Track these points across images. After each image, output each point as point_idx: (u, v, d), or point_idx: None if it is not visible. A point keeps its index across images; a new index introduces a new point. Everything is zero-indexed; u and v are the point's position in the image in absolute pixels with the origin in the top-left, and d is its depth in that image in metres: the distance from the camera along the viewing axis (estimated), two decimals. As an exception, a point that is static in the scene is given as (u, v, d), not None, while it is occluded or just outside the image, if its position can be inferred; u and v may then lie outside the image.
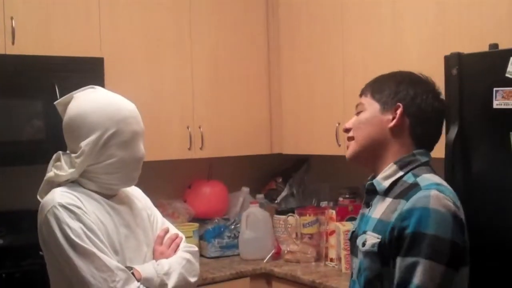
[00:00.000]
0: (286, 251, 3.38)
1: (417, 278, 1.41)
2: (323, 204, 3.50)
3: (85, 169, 1.78)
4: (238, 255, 3.48)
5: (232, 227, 3.54)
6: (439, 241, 1.43)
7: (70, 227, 1.67)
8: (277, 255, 3.42)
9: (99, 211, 1.77)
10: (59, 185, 1.80)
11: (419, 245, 1.43)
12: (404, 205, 1.49)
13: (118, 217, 1.82)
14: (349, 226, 3.08)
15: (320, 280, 2.94)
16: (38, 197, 1.81)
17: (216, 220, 3.57)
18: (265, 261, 3.35)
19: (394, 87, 1.62)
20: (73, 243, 1.67)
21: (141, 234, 1.88)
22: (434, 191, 1.48)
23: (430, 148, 1.65)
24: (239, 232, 3.50)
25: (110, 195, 1.85)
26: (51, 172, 1.80)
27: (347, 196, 3.42)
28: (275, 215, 3.58)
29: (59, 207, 1.69)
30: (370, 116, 1.63)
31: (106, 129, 1.75)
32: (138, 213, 1.92)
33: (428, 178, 1.55)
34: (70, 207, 1.70)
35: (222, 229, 3.51)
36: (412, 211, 1.46)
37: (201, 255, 3.47)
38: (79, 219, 1.69)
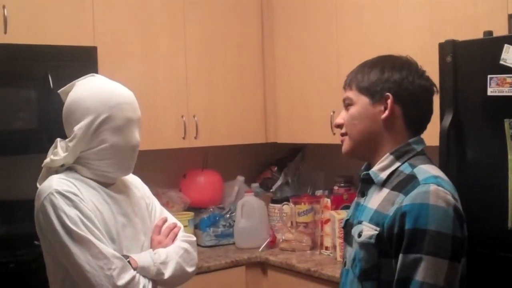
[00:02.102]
0: (281, 240, 3.39)
1: (419, 275, 1.41)
2: (318, 192, 3.51)
3: (79, 155, 1.78)
4: (234, 244, 3.48)
5: (227, 216, 3.55)
6: (441, 236, 1.42)
7: (66, 214, 1.67)
8: (272, 243, 3.42)
9: (96, 198, 1.77)
10: (57, 172, 1.80)
11: (420, 242, 1.42)
12: (402, 200, 1.48)
13: (116, 206, 1.82)
14: (344, 214, 3.07)
15: (315, 268, 2.95)
16: (38, 184, 1.81)
17: (211, 209, 3.57)
18: (260, 249, 3.36)
19: (379, 76, 1.60)
20: (70, 230, 1.67)
21: (138, 223, 1.88)
22: (433, 186, 1.47)
23: (423, 128, 1.65)
24: (234, 221, 3.50)
25: (107, 184, 1.84)
26: (47, 158, 1.81)
27: (342, 184, 3.42)
28: (270, 204, 3.59)
29: (56, 194, 1.69)
30: (361, 111, 1.61)
31: (98, 114, 1.75)
32: (136, 202, 1.92)
33: (425, 170, 1.53)
34: (67, 194, 1.69)
35: (217, 218, 3.51)
36: (411, 207, 1.45)
37: (197, 244, 3.47)
38: (75, 206, 1.69)
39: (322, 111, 3.29)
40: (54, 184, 1.72)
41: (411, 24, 2.78)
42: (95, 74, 1.89)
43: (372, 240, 1.51)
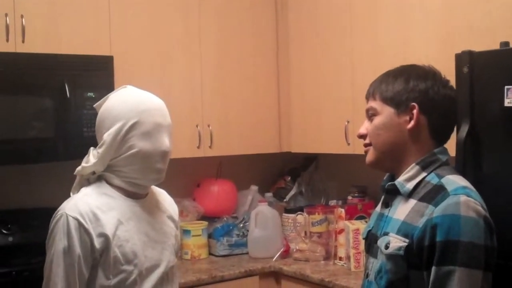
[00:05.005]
0: (295, 250, 3.38)
1: (454, 287, 1.40)
2: (332, 202, 3.50)
3: (110, 163, 1.79)
4: (247, 253, 3.47)
5: (241, 225, 3.54)
6: (474, 247, 1.42)
7: (55, 243, 1.71)
8: (286, 253, 3.41)
9: (118, 218, 1.77)
10: (88, 180, 1.83)
11: (454, 253, 1.41)
12: (432, 211, 1.47)
13: (139, 224, 1.82)
14: (358, 224, 3.07)
15: (329, 279, 2.94)
16: (71, 193, 1.84)
17: (225, 219, 3.57)
18: (274, 259, 3.35)
19: (404, 85, 1.59)
20: (50, 258, 1.73)
21: (161, 243, 1.88)
22: (464, 197, 1.46)
23: (447, 138, 1.64)
24: (248, 231, 3.50)
25: (138, 195, 1.84)
26: (80, 166, 1.83)
27: (356, 194, 3.41)
28: (284, 214, 3.58)
29: (62, 218, 1.72)
30: (386, 121, 1.60)
31: (128, 119, 1.77)
32: (163, 221, 1.93)
33: (454, 181, 1.52)
34: (72, 222, 1.71)
35: (231, 228, 3.51)
36: (442, 219, 1.44)
37: (210, 254, 3.48)
38: (69, 237, 1.70)
39: (336, 120, 3.28)
40: (70, 205, 1.74)
41: (425, 34, 2.77)
42: (127, 86, 1.91)
43: (401, 252, 1.50)
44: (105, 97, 1.89)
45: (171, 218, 1.97)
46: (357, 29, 3.17)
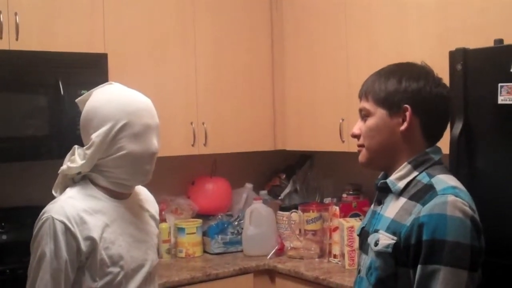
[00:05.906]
0: (289, 248, 3.38)
1: (439, 286, 1.40)
2: (327, 200, 3.50)
3: (97, 163, 1.77)
4: (242, 251, 3.48)
5: (236, 223, 3.55)
6: (459, 246, 1.42)
7: (41, 246, 1.69)
8: (281, 251, 3.41)
9: (103, 220, 1.75)
10: (73, 179, 1.81)
11: (439, 252, 1.41)
12: (420, 210, 1.47)
13: (124, 224, 1.81)
14: (353, 222, 3.08)
15: (324, 277, 2.94)
16: (53, 191, 1.81)
17: (220, 216, 3.57)
18: (268, 257, 3.35)
19: (396, 86, 1.58)
20: (36, 261, 1.70)
21: (145, 243, 1.88)
22: (451, 197, 1.46)
23: (440, 136, 1.64)
24: (242, 228, 3.50)
25: (122, 194, 1.83)
26: (64, 165, 1.80)
27: (350, 192, 3.42)
28: (279, 212, 3.58)
29: (49, 221, 1.69)
30: (379, 122, 1.60)
31: (117, 121, 1.74)
32: (146, 220, 1.92)
33: (443, 180, 1.53)
34: (59, 225, 1.68)
35: (225, 225, 3.51)
36: (429, 218, 1.44)
37: (205, 251, 3.48)
38: (56, 240, 1.68)
39: (331, 118, 3.28)
40: (56, 208, 1.71)
41: (420, 32, 2.78)
42: (112, 82, 1.88)
43: (389, 249, 1.51)
44: (88, 92, 1.85)
45: (153, 217, 1.97)
46: (352, 26, 3.17)
